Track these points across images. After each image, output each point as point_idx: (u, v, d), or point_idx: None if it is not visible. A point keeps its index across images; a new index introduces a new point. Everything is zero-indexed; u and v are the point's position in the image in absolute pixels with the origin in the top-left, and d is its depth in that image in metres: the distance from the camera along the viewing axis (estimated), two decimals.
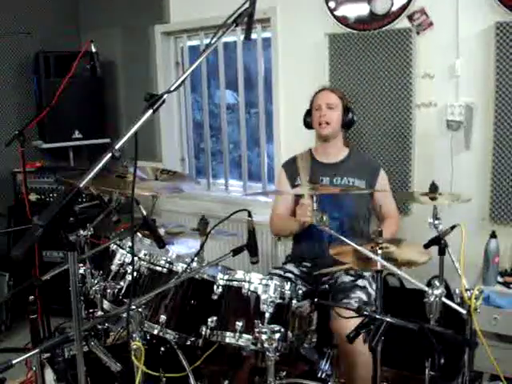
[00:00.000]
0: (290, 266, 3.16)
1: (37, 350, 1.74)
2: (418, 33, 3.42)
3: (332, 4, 3.69)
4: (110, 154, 1.40)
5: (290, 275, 3.04)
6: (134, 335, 2.03)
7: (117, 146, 1.42)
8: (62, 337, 1.77)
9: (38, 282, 2.24)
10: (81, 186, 1.32)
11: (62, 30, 5.15)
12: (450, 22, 3.29)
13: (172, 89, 1.61)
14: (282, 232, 3.40)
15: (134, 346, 1.99)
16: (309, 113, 3.28)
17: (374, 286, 2.88)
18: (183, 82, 1.66)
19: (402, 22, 3.46)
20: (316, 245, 3.07)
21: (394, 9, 3.47)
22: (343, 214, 3.08)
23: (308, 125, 3.30)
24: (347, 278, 2.94)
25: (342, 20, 3.68)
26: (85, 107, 4.86)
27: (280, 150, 4.18)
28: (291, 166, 3.27)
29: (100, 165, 1.39)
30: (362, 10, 3.59)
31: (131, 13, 4.88)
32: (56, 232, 1.32)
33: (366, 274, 2.97)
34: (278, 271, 3.10)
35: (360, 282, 2.90)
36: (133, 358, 1.98)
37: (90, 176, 1.37)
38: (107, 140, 4.96)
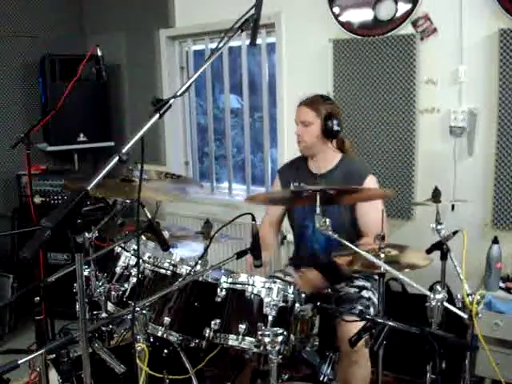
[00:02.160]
0: (290, 270, 3.17)
1: (42, 351, 1.75)
2: (421, 39, 3.44)
3: (336, 10, 3.72)
4: (117, 158, 1.42)
5: (289, 279, 3.05)
6: (138, 337, 2.04)
7: (124, 150, 1.44)
8: (68, 338, 1.78)
9: (45, 283, 2.26)
10: (89, 188, 1.34)
11: (68, 33, 5.19)
12: (454, 29, 3.31)
13: (178, 93, 1.63)
14: None
15: (138, 348, 2.01)
16: None
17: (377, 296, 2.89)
18: (189, 86, 1.68)
19: (406, 28, 3.48)
20: (313, 249, 3.07)
21: (398, 15, 3.49)
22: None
23: None
24: (352, 290, 2.94)
25: (347, 25, 3.70)
26: (90, 110, 4.89)
27: (284, 154, 4.20)
28: (286, 170, 3.25)
29: (107, 168, 1.41)
30: (367, 15, 3.61)
31: (137, 17, 4.91)
32: (63, 234, 1.33)
33: (368, 284, 2.97)
34: (278, 274, 3.12)
35: (365, 293, 2.90)
36: (137, 359, 2.00)
37: (98, 179, 1.39)
38: (112, 143, 5.00)
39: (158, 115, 1.54)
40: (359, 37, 3.66)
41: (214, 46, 4.59)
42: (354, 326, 2.44)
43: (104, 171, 1.41)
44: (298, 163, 3.20)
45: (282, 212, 3.27)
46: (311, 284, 2.85)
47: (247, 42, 4.31)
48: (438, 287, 2.05)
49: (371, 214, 2.82)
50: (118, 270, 2.54)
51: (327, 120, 2.96)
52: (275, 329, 2.23)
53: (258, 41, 4.15)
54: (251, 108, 4.56)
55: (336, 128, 2.97)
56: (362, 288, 2.93)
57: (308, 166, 3.15)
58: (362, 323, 2.31)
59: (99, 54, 3.71)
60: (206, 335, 2.34)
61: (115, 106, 5.19)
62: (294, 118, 3.05)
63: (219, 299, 2.36)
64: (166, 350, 2.63)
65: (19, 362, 1.67)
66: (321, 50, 3.83)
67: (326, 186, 2.83)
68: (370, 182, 2.98)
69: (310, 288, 2.80)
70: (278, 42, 4.11)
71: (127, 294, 2.45)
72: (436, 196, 2.59)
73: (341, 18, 3.72)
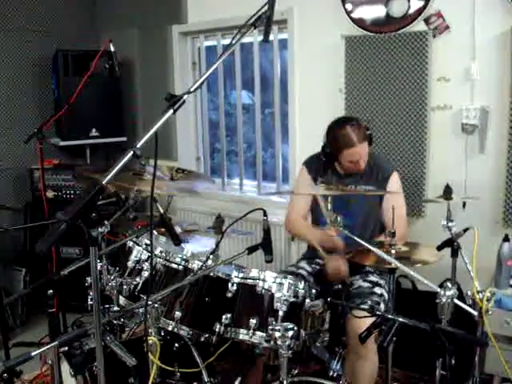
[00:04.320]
0: (303, 264, 3.19)
1: (55, 343, 1.77)
2: (434, 36, 3.43)
3: (349, 6, 3.71)
4: (131, 153, 1.44)
5: (302, 272, 3.08)
6: (149, 330, 2.07)
7: (138, 145, 1.46)
8: (80, 330, 1.80)
9: (58, 277, 2.28)
10: (104, 182, 1.36)
11: (81, 29, 5.21)
12: (467, 26, 3.29)
13: (192, 89, 1.64)
14: (299, 238, 3.48)
15: (150, 341, 2.03)
16: (330, 151, 3.08)
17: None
18: (203, 82, 1.69)
19: (419, 25, 3.47)
20: None
21: (410, 12, 3.48)
22: (353, 222, 2.93)
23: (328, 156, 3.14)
24: (365, 284, 2.96)
25: (359, 22, 3.69)
26: (102, 106, 4.90)
27: (295, 150, 4.20)
28: (314, 163, 3.26)
29: (122, 163, 1.43)
30: (379, 12, 3.60)
31: (149, 13, 4.92)
32: (76, 228, 1.35)
33: (382, 282, 2.99)
34: (291, 268, 3.15)
35: (377, 290, 2.92)
36: (149, 353, 2.02)
37: (113, 173, 1.40)
38: (124, 138, 5.02)
39: (171, 111, 1.56)
40: (371, 33, 3.65)
41: (226, 42, 4.59)
42: (363, 322, 2.46)
43: (118, 166, 1.43)
44: (324, 161, 3.18)
45: (309, 207, 3.30)
46: (338, 270, 2.86)
47: (259, 38, 4.32)
48: (449, 284, 2.06)
49: (397, 205, 2.76)
50: (130, 264, 2.56)
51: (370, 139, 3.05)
52: (286, 324, 2.24)
53: (270, 37, 4.14)
54: (262, 104, 4.56)
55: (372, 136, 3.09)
56: (375, 284, 2.94)
57: (335, 166, 3.16)
58: (371, 319, 2.33)
59: (112, 49, 3.73)
60: (217, 330, 2.36)
61: (127, 102, 5.20)
62: (351, 158, 2.99)
63: (230, 294, 2.39)
64: (176, 344, 2.65)
65: (32, 353, 1.68)
66: (333, 46, 3.82)
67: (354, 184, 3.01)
68: (395, 179, 3.10)
69: (335, 274, 2.85)
70: (290, 39, 4.11)
71: (139, 287, 2.48)
72: (447, 193, 2.59)
73: (353, 15, 3.71)
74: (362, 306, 2.70)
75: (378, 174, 3.09)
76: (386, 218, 3.03)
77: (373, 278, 3.00)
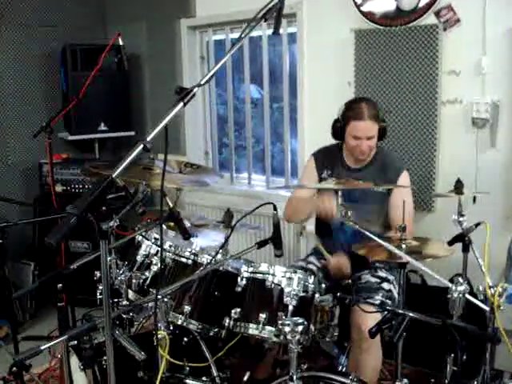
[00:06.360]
0: (312, 258, 3.18)
1: (65, 337, 1.76)
2: (444, 29, 3.40)
3: None
4: (141, 146, 1.43)
5: (312, 267, 3.06)
6: (158, 325, 2.06)
7: (148, 138, 1.45)
8: (91, 324, 1.80)
9: (68, 271, 2.28)
10: (114, 176, 1.35)
11: (89, 23, 5.21)
12: (477, 19, 3.27)
13: (202, 82, 1.63)
14: (297, 214, 3.29)
15: (159, 336, 2.03)
16: (339, 124, 3.03)
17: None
18: (213, 75, 1.68)
19: (429, 19, 3.44)
20: (338, 239, 3.06)
21: (420, 5, 3.45)
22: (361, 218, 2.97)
23: (337, 136, 3.10)
24: (373, 279, 2.94)
25: (369, 15, 3.67)
26: (111, 100, 4.90)
27: (304, 144, 4.18)
28: (322, 156, 3.23)
29: (132, 156, 1.42)
30: (389, 5, 3.57)
31: (157, 7, 4.91)
32: (86, 222, 1.34)
33: (391, 277, 2.97)
34: (300, 263, 3.13)
35: (385, 285, 2.90)
36: (158, 347, 2.02)
37: (123, 167, 1.40)
38: (132, 133, 5.02)
39: (182, 104, 1.55)
40: (381, 27, 3.63)
41: (234, 36, 4.58)
42: (369, 316, 2.45)
43: (128, 159, 1.42)
44: (334, 152, 3.17)
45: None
46: (340, 268, 2.88)
47: (268, 31, 4.30)
48: (460, 279, 2.04)
49: (406, 203, 2.63)
50: (139, 258, 2.56)
51: (382, 125, 3.00)
52: (295, 318, 2.23)
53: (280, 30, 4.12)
54: (271, 98, 4.55)
55: (387, 130, 3.05)
56: (384, 279, 2.92)
57: (344, 158, 3.14)
58: (377, 314, 2.32)
59: (121, 43, 3.73)
60: (226, 324, 2.36)
61: (136, 96, 5.20)
62: (353, 133, 2.95)
63: (239, 289, 2.38)
64: (185, 338, 2.65)
65: (42, 347, 1.68)
66: (342, 40, 3.80)
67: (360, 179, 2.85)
68: (404, 178, 3.05)
69: (338, 272, 2.88)
70: (299, 32, 4.09)
71: (148, 282, 2.48)
72: (459, 187, 2.58)
73: (363, 8, 3.68)
74: (372, 301, 2.69)
75: (386, 172, 3.04)
76: (393, 214, 3.01)
77: (381, 273, 2.98)
